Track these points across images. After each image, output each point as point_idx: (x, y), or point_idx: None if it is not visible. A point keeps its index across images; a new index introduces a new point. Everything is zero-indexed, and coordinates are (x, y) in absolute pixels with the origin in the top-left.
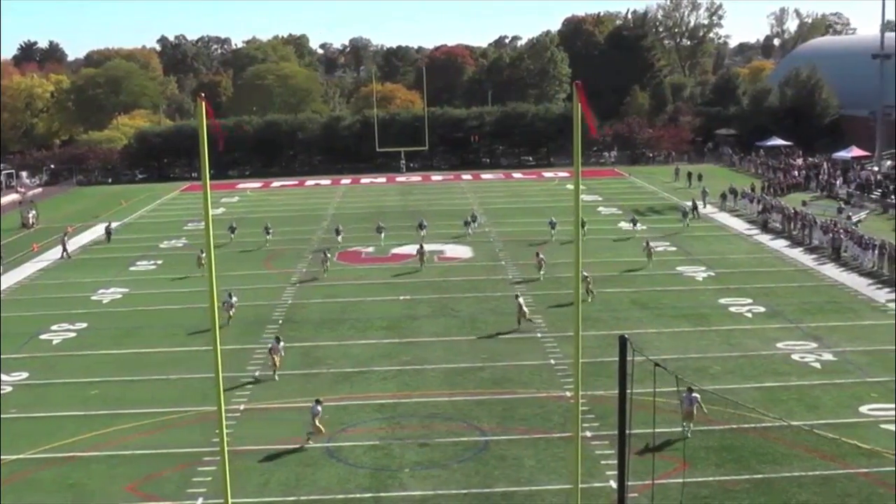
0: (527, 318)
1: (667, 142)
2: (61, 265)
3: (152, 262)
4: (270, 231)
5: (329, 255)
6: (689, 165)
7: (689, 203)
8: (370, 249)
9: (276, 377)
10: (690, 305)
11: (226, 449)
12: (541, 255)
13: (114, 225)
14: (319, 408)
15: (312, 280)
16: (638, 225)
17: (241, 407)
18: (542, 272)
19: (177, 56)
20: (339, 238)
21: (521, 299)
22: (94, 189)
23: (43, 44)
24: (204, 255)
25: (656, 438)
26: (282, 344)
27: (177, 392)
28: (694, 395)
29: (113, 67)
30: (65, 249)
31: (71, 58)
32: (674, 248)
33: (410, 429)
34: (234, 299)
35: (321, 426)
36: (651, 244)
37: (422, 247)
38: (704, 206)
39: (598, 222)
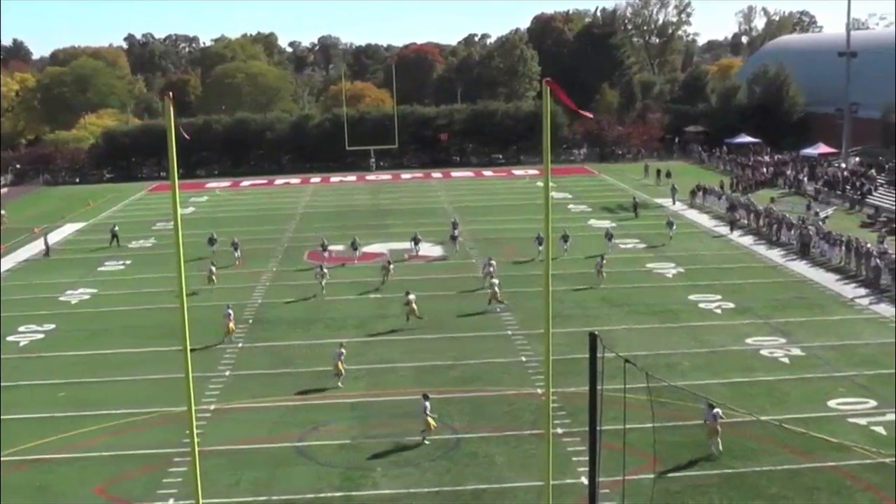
0: (499, 299)
1: (636, 139)
2: (29, 266)
3: (121, 262)
4: (215, 241)
5: (326, 272)
6: (659, 162)
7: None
8: (340, 248)
9: (340, 384)
10: (660, 302)
11: (196, 449)
12: (492, 268)
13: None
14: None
15: (282, 280)
16: (612, 240)
17: (212, 407)
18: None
19: (144, 54)
20: (326, 254)
21: (495, 280)
22: (62, 189)
23: (7, 42)
24: (215, 269)
25: (627, 434)
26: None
27: (146, 393)
28: (715, 410)
29: (80, 66)
30: (46, 247)
31: (36, 56)
32: (643, 246)
33: (382, 428)
34: (231, 311)
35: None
36: (604, 262)
37: (389, 263)
38: (674, 203)
39: (569, 220)
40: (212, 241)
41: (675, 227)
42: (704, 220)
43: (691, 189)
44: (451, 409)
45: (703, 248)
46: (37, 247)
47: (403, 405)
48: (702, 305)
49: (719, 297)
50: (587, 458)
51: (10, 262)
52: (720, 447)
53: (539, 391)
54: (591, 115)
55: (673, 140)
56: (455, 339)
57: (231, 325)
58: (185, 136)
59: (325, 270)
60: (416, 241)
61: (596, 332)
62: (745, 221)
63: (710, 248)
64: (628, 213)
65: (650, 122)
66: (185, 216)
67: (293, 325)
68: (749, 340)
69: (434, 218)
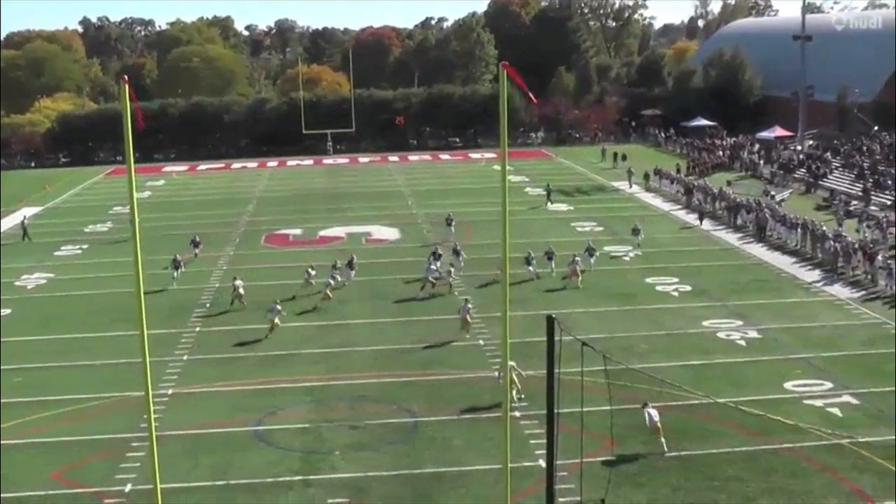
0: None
1: (593, 122)
2: None
3: (77, 246)
4: (199, 244)
5: (338, 281)
6: (616, 146)
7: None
8: (298, 232)
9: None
10: (618, 285)
11: (154, 434)
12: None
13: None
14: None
15: (240, 264)
16: (594, 258)
17: (169, 392)
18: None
19: (100, 38)
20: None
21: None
22: (17, 173)
23: None
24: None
25: (585, 417)
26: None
27: (103, 378)
28: (650, 410)
29: (34, 49)
30: (25, 231)
31: None
32: (601, 229)
33: (339, 411)
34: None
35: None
36: (577, 262)
37: (312, 270)
38: (630, 186)
39: (525, 203)
40: (195, 243)
41: (642, 235)
42: (660, 203)
43: (645, 172)
44: (409, 392)
45: (660, 231)
46: None
47: (361, 389)
48: (659, 288)
49: (676, 279)
50: (545, 441)
51: None
52: (664, 447)
53: (496, 373)
54: (535, 100)
55: (630, 123)
56: (413, 323)
57: (276, 321)
58: (140, 122)
59: (313, 271)
60: (437, 257)
61: (553, 315)
62: (701, 204)
63: (666, 231)
64: (585, 196)
65: (607, 106)
66: (141, 200)
67: (250, 308)
68: (706, 323)
69: (391, 201)
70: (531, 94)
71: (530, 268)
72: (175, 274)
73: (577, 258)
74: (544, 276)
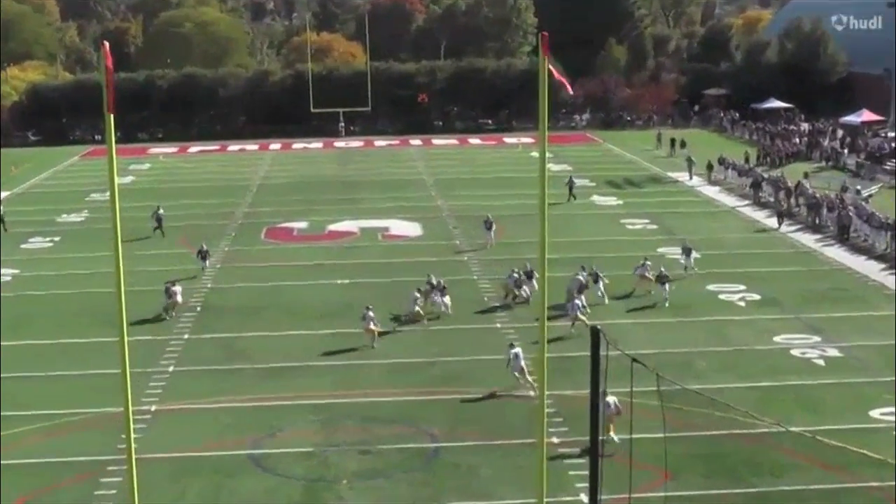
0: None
1: (647, 103)
2: None
3: (48, 239)
4: (208, 255)
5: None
6: (673, 130)
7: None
8: (303, 226)
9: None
10: (673, 292)
11: (133, 456)
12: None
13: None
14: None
15: (235, 261)
16: (692, 255)
17: (152, 408)
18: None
19: None
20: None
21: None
22: None
23: None
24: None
25: (634, 445)
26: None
27: (76, 391)
28: (609, 399)
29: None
30: (1, 221)
31: None
32: (655, 227)
33: (349, 433)
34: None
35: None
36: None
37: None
38: (690, 178)
39: (568, 196)
40: (203, 254)
41: (695, 255)
42: (725, 197)
43: (708, 162)
44: (429, 412)
45: (724, 230)
46: None
47: (374, 408)
48: (722, 297)
49: (742, 287)
50: (587, 473)
51: None
52: (616, 439)
53: (532, 393)
54: (569, 90)
55: (690, 105)
56: (435, 332)
57: (373, 328)
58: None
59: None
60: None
61: (598, 327)
62: (773, 200)
63: (732, 231)
64: (637, 189)
65: (664, 84)
66: (123, 186)
67: (247, 313)
68: (777, 338)
69: (412, 192)
70: (565, 81)
71: (524, 289)
72: (204, 265)
73: (647, 262)
74: (596, 302)
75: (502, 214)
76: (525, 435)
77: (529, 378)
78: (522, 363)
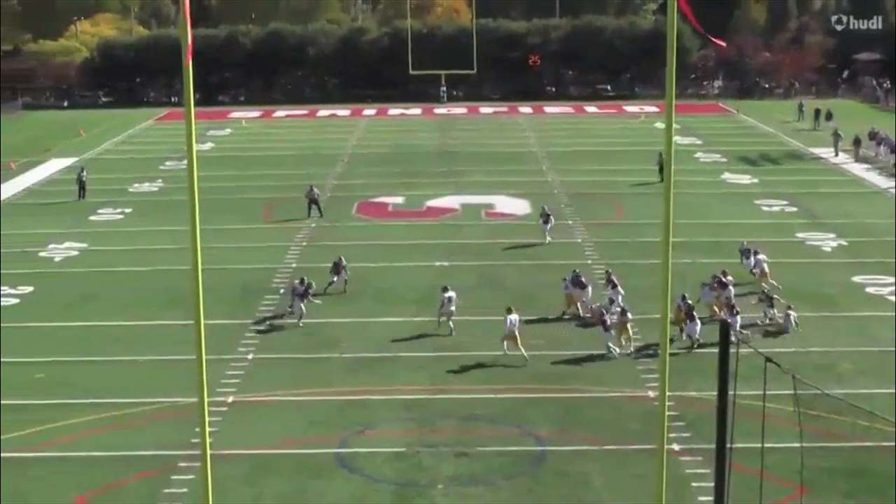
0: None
1: (788, 69)
2: (4, 212)
3: (119, 210)
4: (343, 267)
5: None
6: (817, 100)
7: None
8: (399, 201)
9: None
10: (814, 284)
11: (208, 452)
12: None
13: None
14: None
15: (323, 240)
16: (758, 257)
17: (229, 399)
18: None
19: None
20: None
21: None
22: (45, 114)
23: None
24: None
25: (766, 455)
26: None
27: (145, 378)
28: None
29: None
30: (82, 187)
31: None
32: (794, 209)
33: (445, 433)
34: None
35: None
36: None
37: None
38: (836, 154)
39: (695, 173)
40: (338, 268)
41: (761, 257)
42: (875, 177)
43: (856, 136)
44: (535, 412)
45: (873, 214)
46: (14, 187)
47: (474, 405)
48: (870, 290)
49: (893, 280)
50: (712, 485)
51: None
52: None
53: (651, 394)
54: (723, 43)
55: (838, 71)
56: (542, 324)
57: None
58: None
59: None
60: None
61: (728, 321)
62: None
63: (882, 215)
64: (774, 166)
65: (807, 47)
66: (201, 153)
67: (336, 297)
68: None
69: (520, 165)
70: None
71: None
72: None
73: (760, 256)
74: (744, 274)
75: (621, 192)
76: (642, 440)
77: (522, 349)
78: (516, 330)
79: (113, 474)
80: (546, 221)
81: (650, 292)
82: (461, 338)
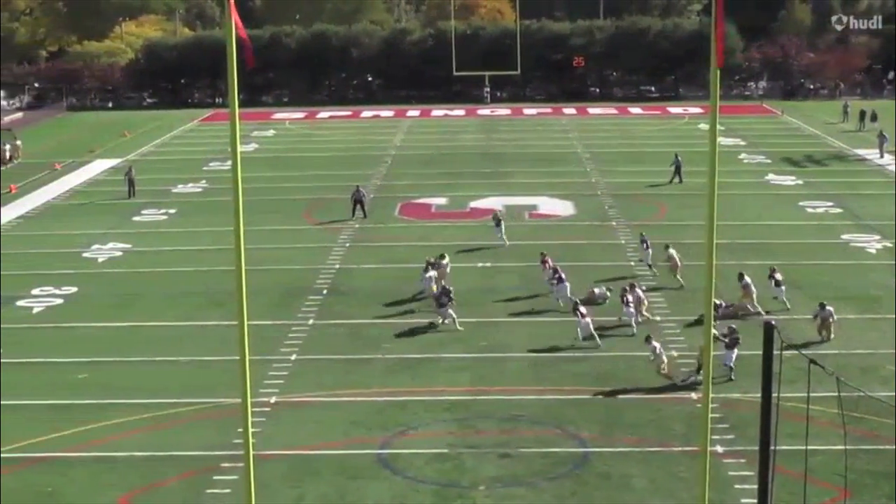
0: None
1: (833, 69)
2: (48, 212)
3: (163, 211)
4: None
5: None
6: (863, 101)
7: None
8: (442, 202)
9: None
10: (858, 285)
11: (251, 453)
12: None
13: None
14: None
15: (366, 240)
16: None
17: (272, 400)
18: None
19: None
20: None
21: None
22: (90, 115)
23: None
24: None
25: (809, 458)
26: None
27: (188, 378)
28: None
29: None
30: (132, 185)
31: None
32: (839, 211)
33: (487, 434)
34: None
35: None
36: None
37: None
38: (881, 155)
39: (739, 174)
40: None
41: (784, 290)
42: None
43: None
44: (577, 413)
45: None
46: (58, 187)
47: (516, 406)
48: None
49: None
50: (755, 487)
51: (25, 205)
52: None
53: (694, 396)
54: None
55: (883, 71)
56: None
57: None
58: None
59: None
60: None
61: (773, 322)
62: None
63: None
64: (819, 167)
65: (853, 48)
66: (245, 154)
67: (378, 297)
68: None
69: (564, 166)
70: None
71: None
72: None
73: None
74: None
75: (665, 193)
76: (685, 442)
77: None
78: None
79: (155, 474)
80: (498, 225)
81: (693, 294)
82: (504, 338)
